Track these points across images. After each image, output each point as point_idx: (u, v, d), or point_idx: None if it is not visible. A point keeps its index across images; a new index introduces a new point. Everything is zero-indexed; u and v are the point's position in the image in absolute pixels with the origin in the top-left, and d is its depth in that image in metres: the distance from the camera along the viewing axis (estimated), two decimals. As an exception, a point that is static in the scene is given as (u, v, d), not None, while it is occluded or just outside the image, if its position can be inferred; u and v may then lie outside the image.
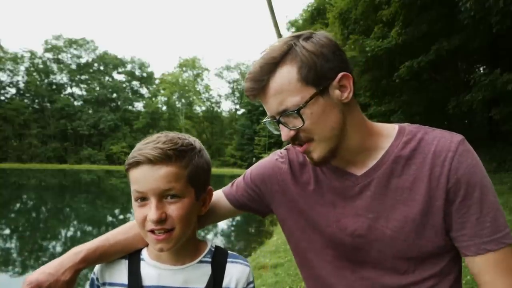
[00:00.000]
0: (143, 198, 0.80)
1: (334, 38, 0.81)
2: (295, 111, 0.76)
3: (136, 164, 0.79)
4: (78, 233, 10.69)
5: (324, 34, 0.81)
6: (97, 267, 0.90)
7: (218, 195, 1.04)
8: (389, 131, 0.87)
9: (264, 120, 0.86)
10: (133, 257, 0.90)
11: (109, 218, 13.50)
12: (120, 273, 0.88)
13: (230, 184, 1.06)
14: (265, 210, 1.03)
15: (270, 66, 0.77)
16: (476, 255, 0.78)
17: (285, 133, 0.80)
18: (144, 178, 0.79)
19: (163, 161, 0.79)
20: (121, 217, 13.63)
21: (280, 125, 0.81)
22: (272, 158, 1.01)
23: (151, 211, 0.78)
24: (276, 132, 0.85)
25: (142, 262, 0.89)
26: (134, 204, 0.82)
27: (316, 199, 0.91)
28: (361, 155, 0.85)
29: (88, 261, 0.83)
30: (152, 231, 0.80)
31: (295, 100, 0.76)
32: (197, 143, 0.89)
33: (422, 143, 0.82)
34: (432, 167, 0.79)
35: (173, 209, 0.80)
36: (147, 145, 0.80)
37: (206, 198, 0.92)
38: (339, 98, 0.79)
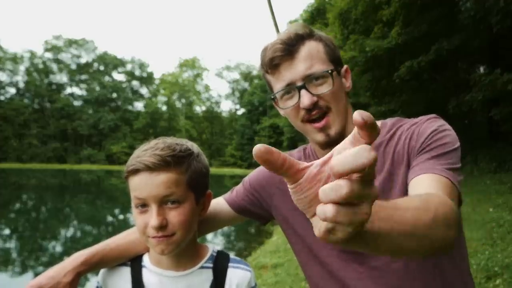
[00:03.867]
0: (143, 205, 0.81)
1: None
2: (329, 71, 0.84)
3: (136, 171, 0.80)
4: (78, 233, 10.67)
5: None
6: (100, 276, 0.91)
7: (219, 202, 1.06)
8: None
9: (278, 91, 0.88)
10: (134, 264, 0.91)
11: (109, 218, 13.48)
12: (123, 280, 0.89)
13: (230, 192, 1.09)
14: (265, 215, 1.06)
15: (302, 36, 0.86)
16: (421, 174, 0.74)
17: (308, 98, 0.83)
18: (144, 185, 0.79)
19: (162, 168, 0.79)
20: (121, 217, 13.61)
21: (303, 91, 0.84)
22: None
23: (152, 218, 0.78)
24: (286, 106, 0.87)
25: (143, 269, 0.90)
26: (135, 211, 0.82)
27: None
28: None
29: (89, 264, 0.84)
30: (153, 237, 0.80)
31: (322, 68, 0.84)
32: (195, 148, 0.89)
33: (399, 128, 0.90)
34: (405, 138, 0.86)
35: (174, 215, 0.80)
36: (146, 152, 0.81)
37: (205, 202, 0.93)
38: (344, 84, 0.91)
